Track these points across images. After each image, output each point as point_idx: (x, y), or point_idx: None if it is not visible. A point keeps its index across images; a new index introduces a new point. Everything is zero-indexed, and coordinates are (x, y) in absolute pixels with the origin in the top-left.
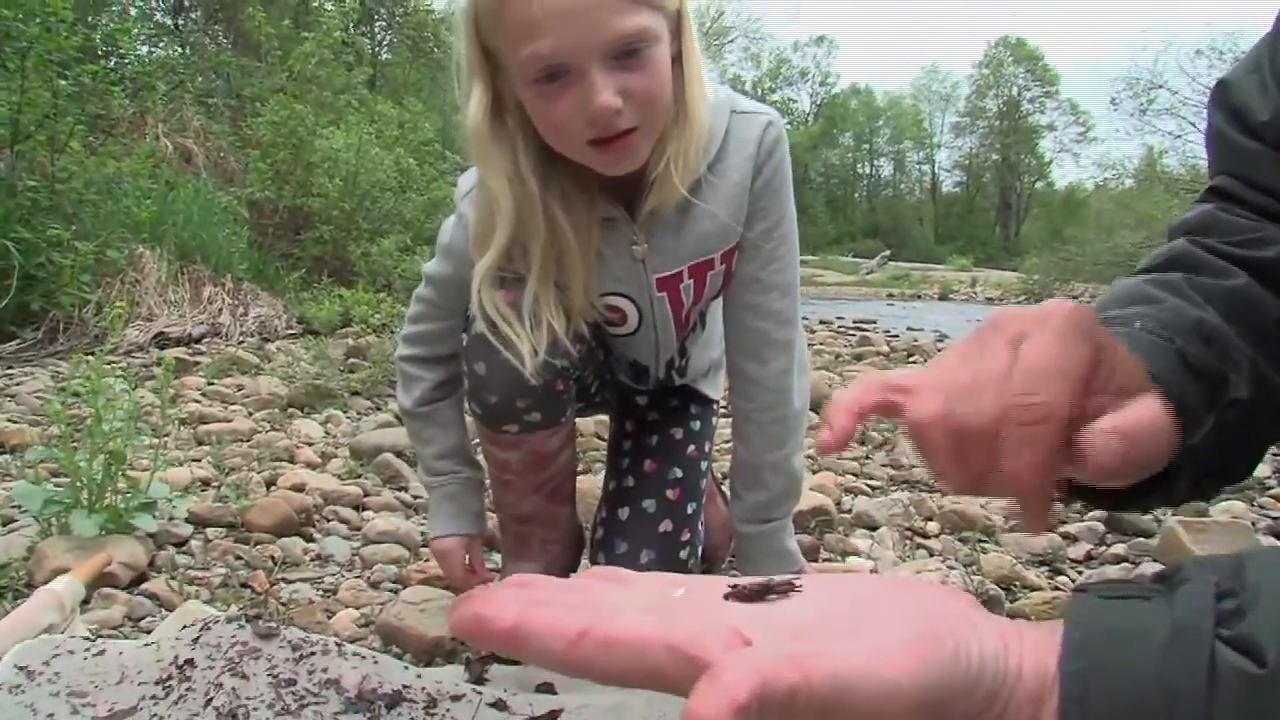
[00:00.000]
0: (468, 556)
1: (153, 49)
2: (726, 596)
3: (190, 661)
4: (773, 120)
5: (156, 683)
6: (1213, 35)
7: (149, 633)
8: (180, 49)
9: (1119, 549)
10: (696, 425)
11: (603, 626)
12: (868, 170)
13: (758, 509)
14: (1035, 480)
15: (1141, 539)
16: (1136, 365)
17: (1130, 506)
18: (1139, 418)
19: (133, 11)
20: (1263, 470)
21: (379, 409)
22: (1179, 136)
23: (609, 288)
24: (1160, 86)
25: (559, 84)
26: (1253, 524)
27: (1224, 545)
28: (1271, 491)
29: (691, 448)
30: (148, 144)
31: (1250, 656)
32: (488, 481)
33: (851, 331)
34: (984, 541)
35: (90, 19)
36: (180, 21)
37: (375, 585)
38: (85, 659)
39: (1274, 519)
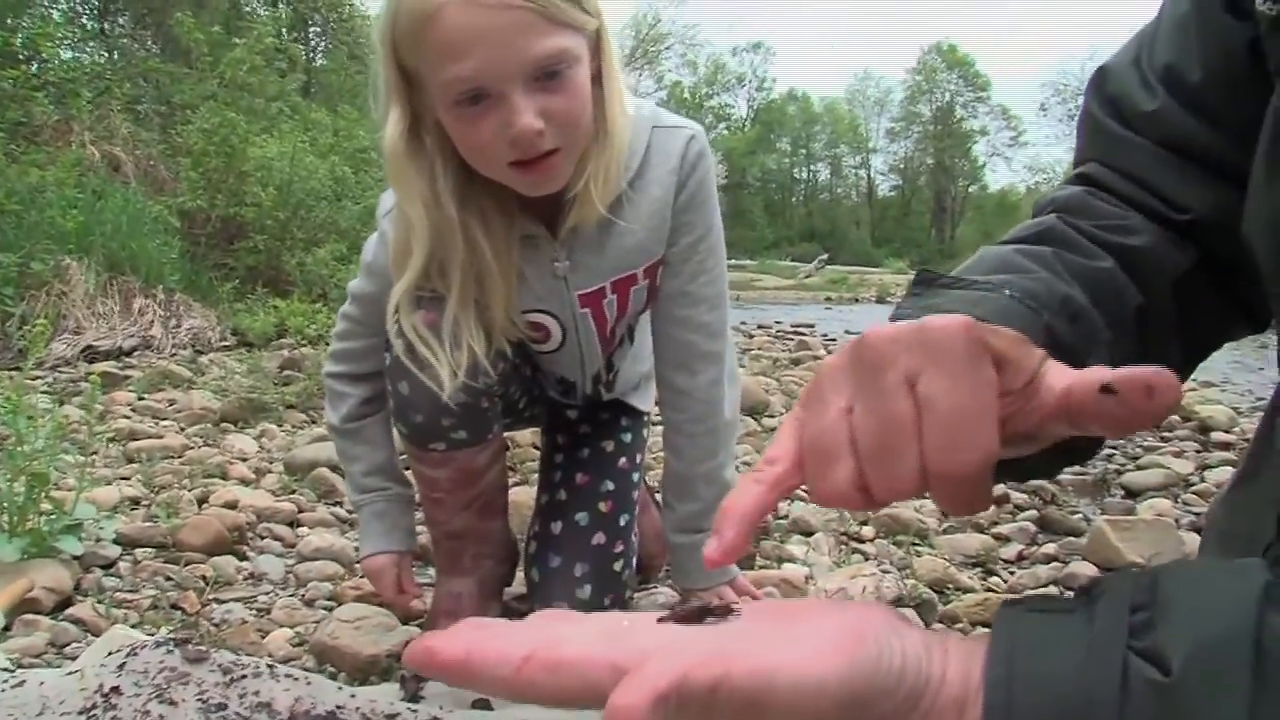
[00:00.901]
0: (399, 574)
1: (78, 54)
2: (663, 619)
3: (116, 689)
4: (695, 134)
5: (80, 713)
6: None
7: (74, 660)
8: (107, 54)
9: (1050, 549)
10: (628, 437)
11: (548, 650)
12: (804, 175)
13: (690, 519)
14: (975, 506)
15: (1071, 538)
16: (1024, 344)
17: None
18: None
19: (56, 15)
20: (1186, 467)
21: (314, 422)
22: None
23: (530, 305)
24: None
25: (481, 106)
26: (1176, 521)
27: (1150, 543)
28: (1195, 488)
29: (623, 460)
30: (73, 152)
31: (1158, 666)
32: (417, 498)
33: (790, 336)
34: (918, 545)
35: (10, 21)
36: (107, 26)
37: (310, 603)
38: (3, 690)
39: (1197, 515)
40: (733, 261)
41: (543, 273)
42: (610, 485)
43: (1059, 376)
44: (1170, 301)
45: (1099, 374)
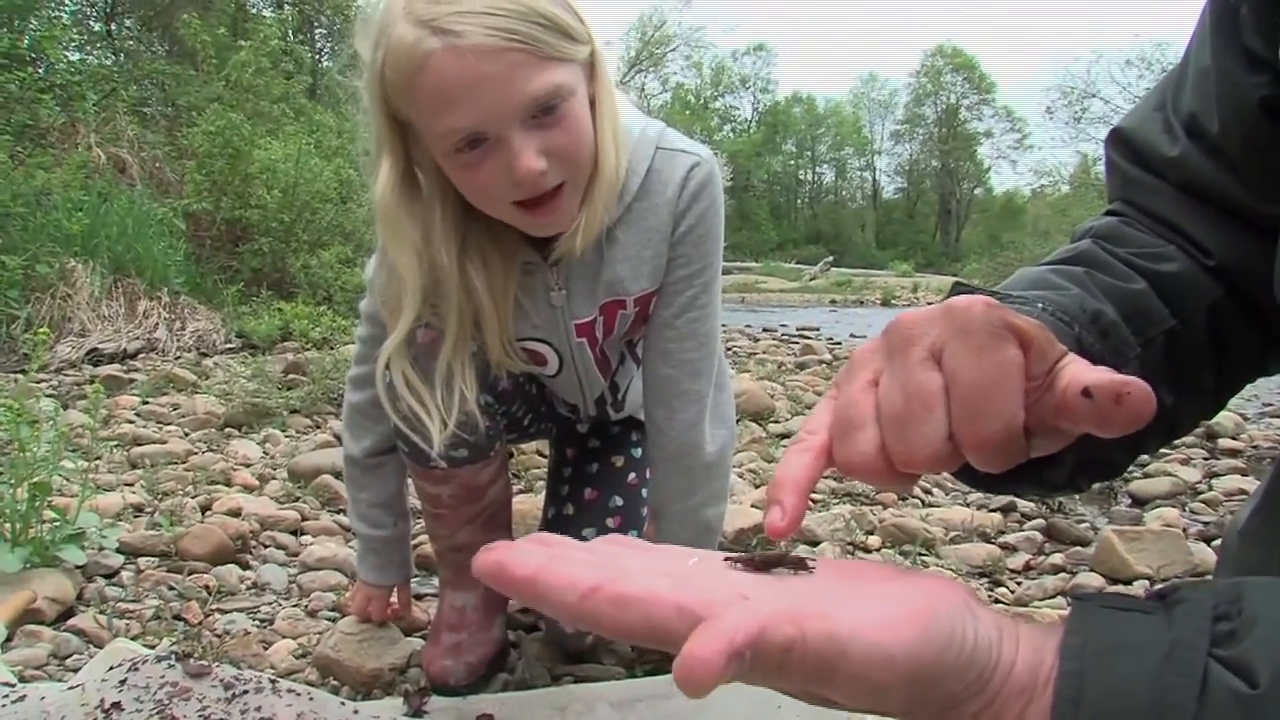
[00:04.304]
0: (387, 603)
1: (84, 56)
2: (730, 561)
3: (117, 705)
4: (700, 161)
5: None
6: (1142, 46)
7: (76, 671)
8: (113, 56)
9: (1057, 559)
10: (638, 453)
11: (616, 583)
12: (810, 177)
13: None
14: (1006, 465)
15: (1079, 548)
16: (1049, 335)
17: (1003, 490)
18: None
19: (65, 18)
20: (1193, 475)
21: (318, 428)
22: None
23: (526, 333)
24: (1093, 96)
25: (480, 150)
26: (1184, 530)
27: (1158, 553)
28: (1203, 496)
29: (632, 475)
30: (79, 154)
31: (1243, 678)
32: (420, 511)
33: (795, 340)
34: (924, 555)
35: (17, 24)
36: (113, 28)
37: (313, 614)
38: (4, 706)
39: (1205, 524)
40: (738, 264)
41: (539, 301)
42: (619, 501)
43: (1072, 372)
44: (1203, 328)
45: (1088, 375)
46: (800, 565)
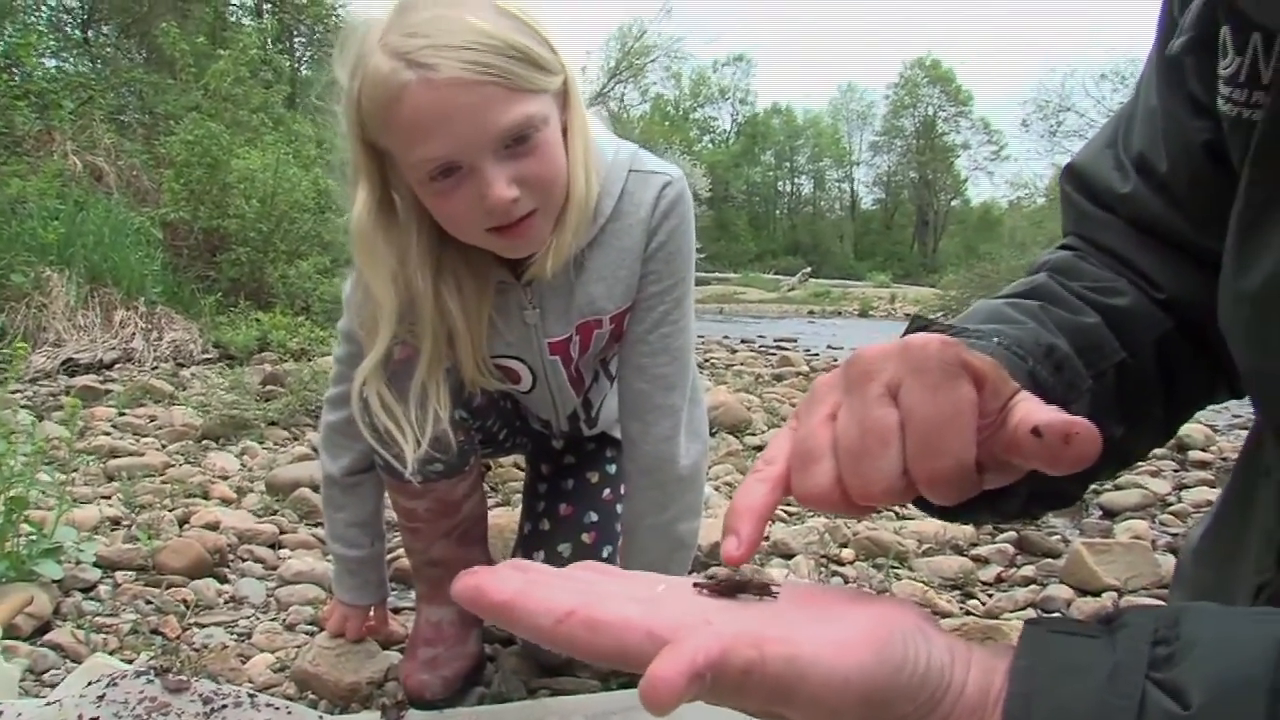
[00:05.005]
0: (363, 621)
1: (61, 63)
2: (699, 586)
3: None
4: (671, 180)
5: None
6: (1115, 60)
7: (53, 687)
8: (91, 63)
9: (1028, 571)
10: (613, 469)
11: (590, 608)
12: (788, 188)
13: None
14: (958, 499)
15: (1049, 560)
16: (1003, 373)
17: (958, 519)
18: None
19: (41, 24)
20: (1163, 487)
21: (296, 440)
22: None
23: (500, 351)
24: (1068, 109)
25: (453, 179)
26: (1153, 542)
27: (1126, 566)
28: (1172, 508)
29: (607, 491)
30: (55, 162)
31: (1177, 700)
32: (396, 525)
33: (772, 351)
34: (897, 568)
35: None
36: (90, 35)
37: (291, 628)
38: None
39: (1174, 535)
40: (716, 274)
41: (512, 320)
42: (594, 517)
43: (1024, 410)
44: (1152, 360)
45: (1038, 414)
46: (765, 591)
